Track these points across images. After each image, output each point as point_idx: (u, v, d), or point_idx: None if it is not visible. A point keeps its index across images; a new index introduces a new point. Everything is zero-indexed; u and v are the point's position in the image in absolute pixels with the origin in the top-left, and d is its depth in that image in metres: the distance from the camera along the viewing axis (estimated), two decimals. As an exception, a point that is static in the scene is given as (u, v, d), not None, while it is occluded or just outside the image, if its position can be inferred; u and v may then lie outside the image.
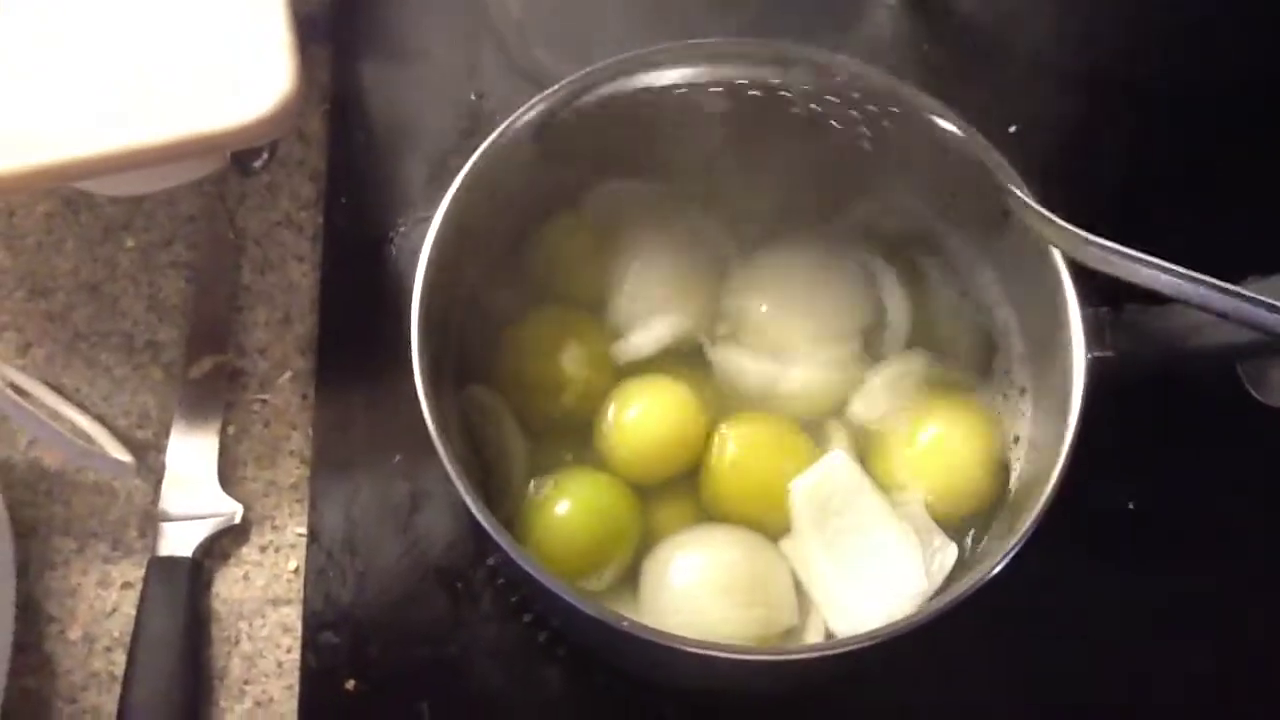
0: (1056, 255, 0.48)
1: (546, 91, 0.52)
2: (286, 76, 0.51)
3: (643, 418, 0.52)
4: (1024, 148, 0.62)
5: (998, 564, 0.44)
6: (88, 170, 0.51)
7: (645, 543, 0.51)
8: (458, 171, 0.50)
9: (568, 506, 0.50)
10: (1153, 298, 0.49)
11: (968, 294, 0.55)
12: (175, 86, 0.52)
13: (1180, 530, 0.57)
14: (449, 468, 0.45)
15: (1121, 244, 0.46)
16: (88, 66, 0.53)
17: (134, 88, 0.52)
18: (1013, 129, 0.65)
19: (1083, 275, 0.48)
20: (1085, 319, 0.47)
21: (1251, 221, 0.63)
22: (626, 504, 0.51)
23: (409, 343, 0.46)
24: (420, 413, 0.46)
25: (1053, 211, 0.48)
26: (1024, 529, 0.43)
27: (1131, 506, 0.58)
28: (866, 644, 0.43)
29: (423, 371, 0.46)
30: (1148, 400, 0.56)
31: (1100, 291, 0.48)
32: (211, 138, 0.50)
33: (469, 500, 0.44)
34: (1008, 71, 0.68)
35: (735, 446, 0.51)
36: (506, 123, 0.52)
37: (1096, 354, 0.47)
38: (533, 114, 0.51)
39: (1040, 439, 0.49)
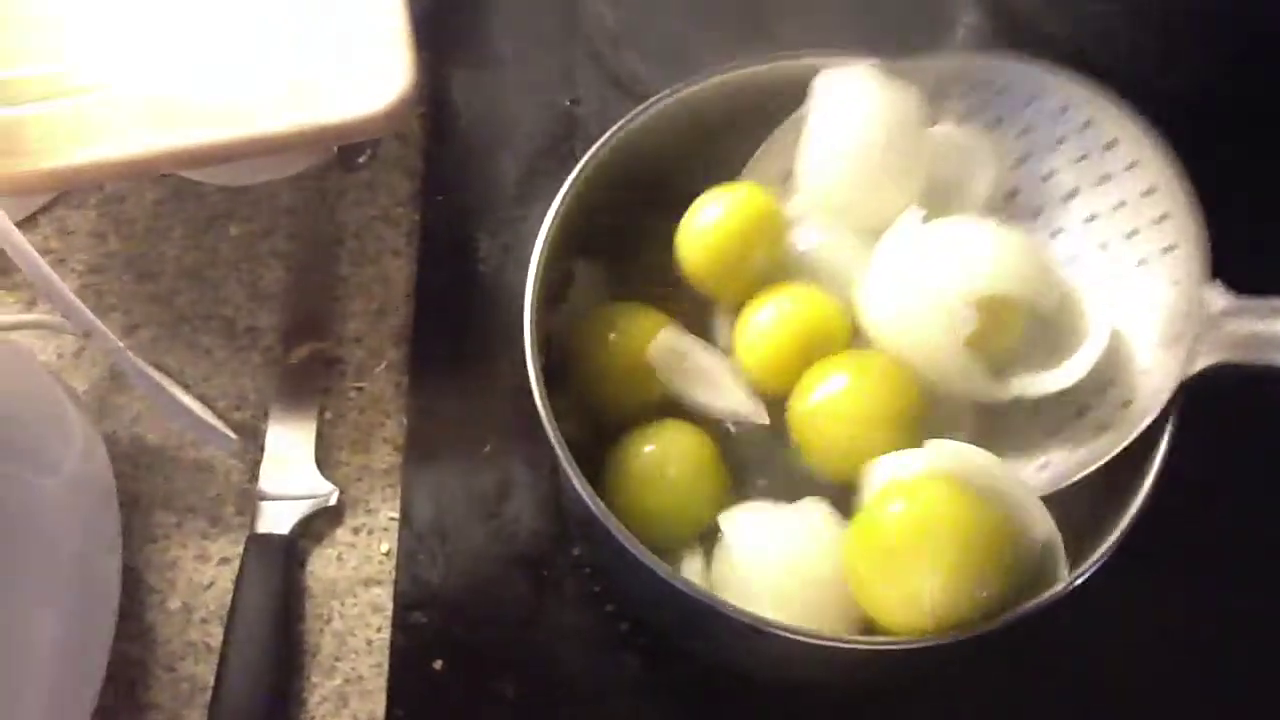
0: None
1: (651, 103, 0.55)
2: (405, 71, 0.53)
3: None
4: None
5: (1087, 570, 0.44)
6: (209, 158, 0.54)
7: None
8: (551, 173, 0.52)
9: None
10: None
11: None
12: (296, 78, 0.54)
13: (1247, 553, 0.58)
14: (550, 432, 0.47)
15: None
16: (214, 58, 0.56)
17: (257, 79, 0.54)
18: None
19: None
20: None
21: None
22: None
23: (522, 325, 0.48)
24: (516, 403, 0.49)
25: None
26: (1118, 531, 0.44)
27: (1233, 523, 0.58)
28: (958, 638, 0.44)
29: (533, 348, 0.48)
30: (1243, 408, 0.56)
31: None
32: (330, 129, 0.52)
33: (568, 468, 0.46)
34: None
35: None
36: (632, 114, 0.54)
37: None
38: (646, 116, 0.54)
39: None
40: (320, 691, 0.56)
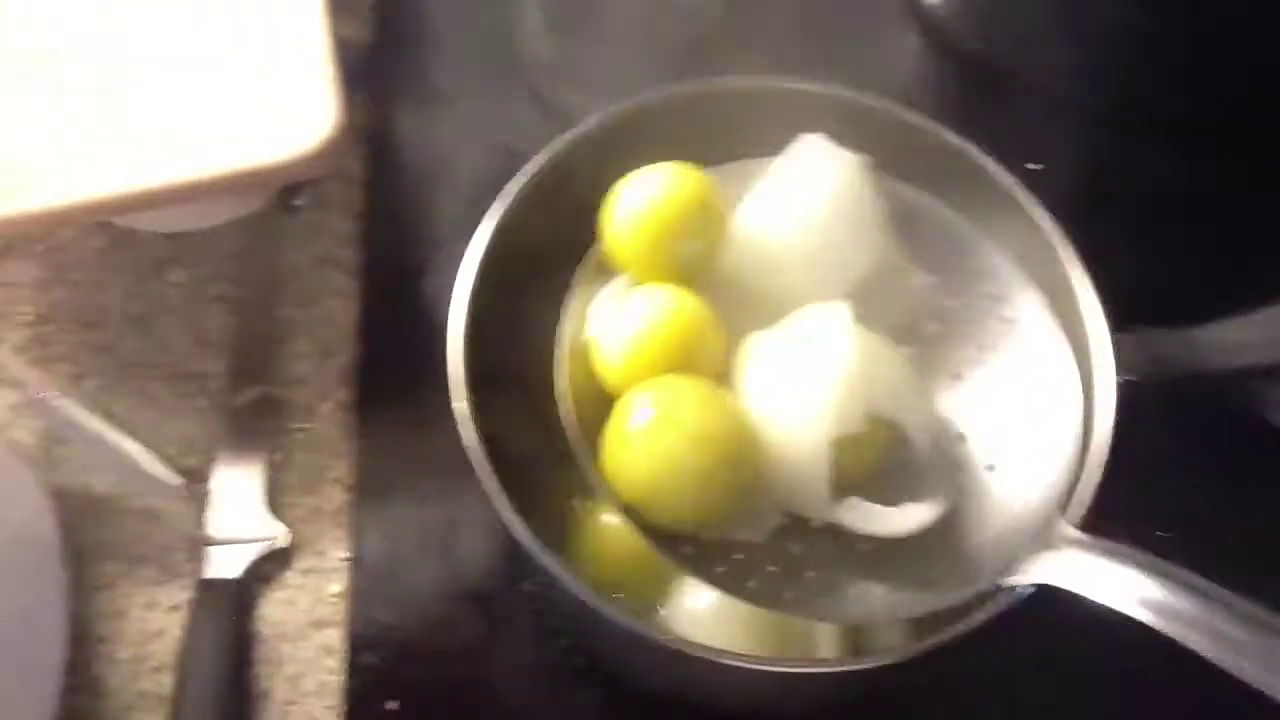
0: (1080, 279, 0.49)
1: (579, 127, 0.55)
2: (330, 113, 0.54)
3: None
4: (1044, 185, 0.65)
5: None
6: (135, 205, 0.54)
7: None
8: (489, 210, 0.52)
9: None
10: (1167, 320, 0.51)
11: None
12: (221, 123, 0.54)
13: (1212, 556, 0.58)
14: (487, 485, 0.46)
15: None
16: (137, 105, 0.56)
17: (180, 125, 0.54)
18: (1032, 166, 0.67)
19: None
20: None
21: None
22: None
23: (446, 364, 0.48)
24: (459, 439, 0.48)
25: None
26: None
27: (1160, 533, 0.59)
28: (912, 655, 0.44)
29: (464, 388, 0.48)
30: (1175, 422, 0.57)
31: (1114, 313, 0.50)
32: (257, 173, 0.53)
33: (506, 516, 0.46)
34: (1029, 109, 0.70)
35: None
36: (545, 156, 0.54)
37: (1126, 378, 0.48)
38: (564, 147, 0.54)
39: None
40: (274, 736, 0.55)
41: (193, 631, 0.56)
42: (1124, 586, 0.39)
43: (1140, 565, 0.39)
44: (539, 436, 0.52)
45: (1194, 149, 0.68)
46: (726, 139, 0.54)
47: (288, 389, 0.63)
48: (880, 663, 0.44)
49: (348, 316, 0.65)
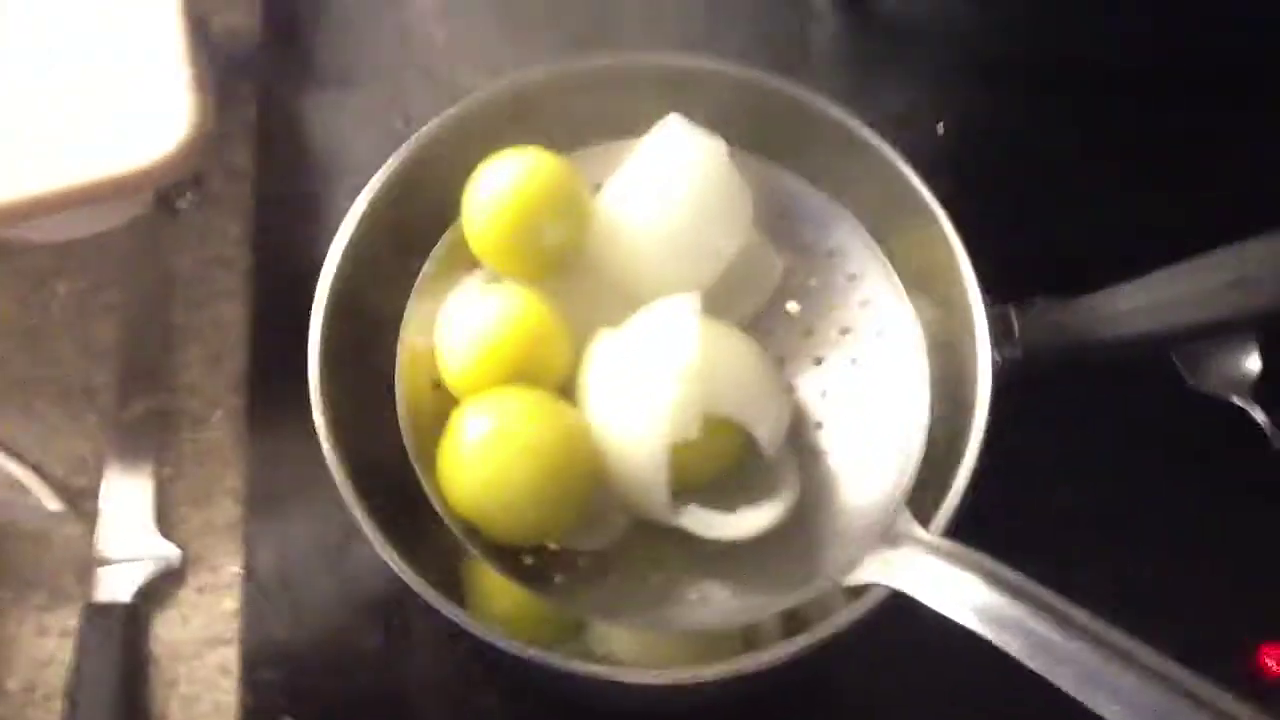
0: (959, 251, 0.47)
1: (455, 107, 0.52)
2: (188, 114, 0.51)
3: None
4: (950, 146, 0.63)
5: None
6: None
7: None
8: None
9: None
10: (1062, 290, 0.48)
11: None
12: (76, 132, 0.52)
13: (1119, 521, 0.57)
14: (348, 501, 0.45)
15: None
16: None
17: (34, 136, 0.52)
18: (940, 127, 0.65)
19: (986, 267, 0.47)
20: (991, 316, 0.46)
21: (1188, 204, 0.62)
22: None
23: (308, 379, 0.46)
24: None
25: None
26: (934, 531, 0.42)
27: (1064, 505, 0.57)
28: (786, 657, 0.42)
29: (328, 427, 0.47)
30: (1075, 394, 0.55)
31: (1002, 286, 0.47)
32: (116, 180, 0.51)
33: (378, 545, 0.44)
34: (934, 69, 0.67)
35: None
36: (414, 142, 0.52)
37: (1006, 353, 0.46)
38: (439, 127, 0.51)
39: (950, 441, 0.47)
40: (170, 760, 0.54)
41: (83, 657, 0.54)
42: (952, 590, 0.38)
43: (972, 568, 0.38)
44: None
45: (1098, 110, 0.65)
46: (603, 119, 0.52)
47: (178, 398, 0.61)
48: (753, 667, 0.42)
49: (238, 320, 0.63)
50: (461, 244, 0.49)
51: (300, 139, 0.68)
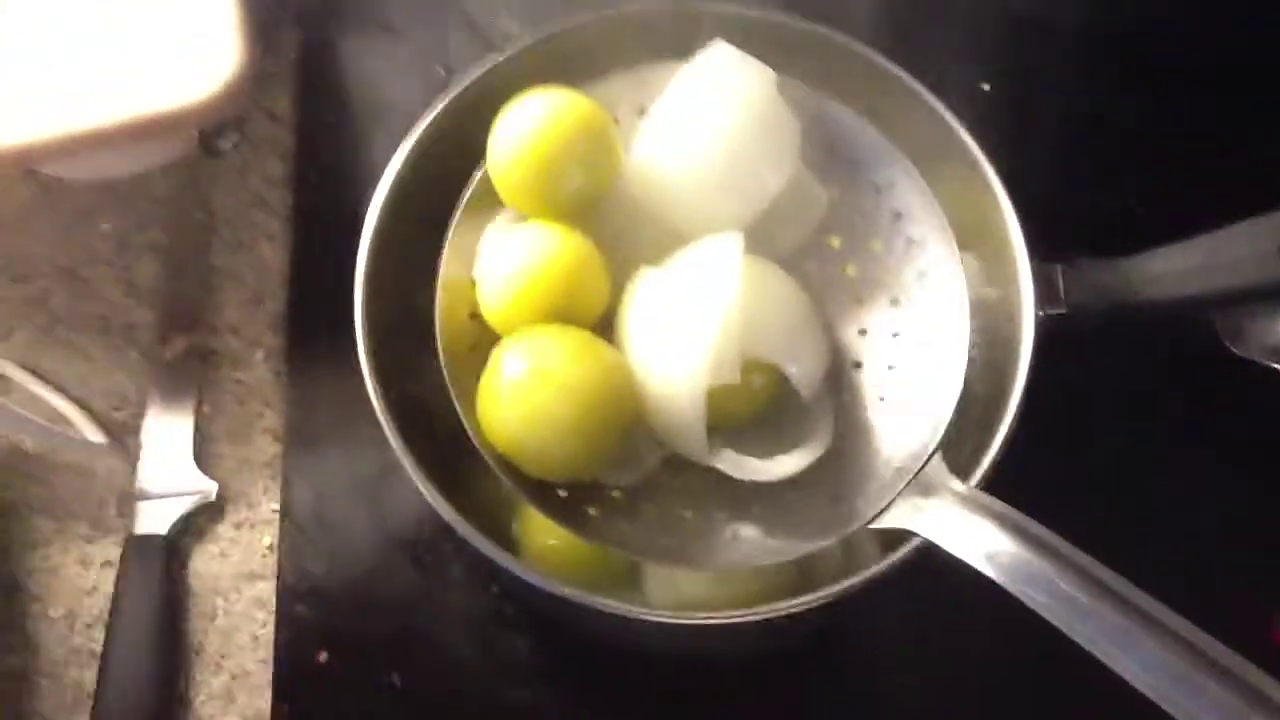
0: (1007, 208, 0.47)
1: (499, 55, 0.52)
2: (234, 56, 0.52)
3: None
4: (995, 104, 0.62)
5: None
6: (40, 155, 0.52)
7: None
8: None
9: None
10: (1108, 250, 0.48)
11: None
12: (121, 69, 0.52)
13: (1154, 484, 0.57)
14: (398, 448, 0.45)
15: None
16: (31, 50, 0.54)
17: (83, 73, 0.52)
18: (986, 86, 0.64)
19: (1032, 226, 0.47)
20: (1037, 274, 0.46)
21: (1236, 168, 0.61)
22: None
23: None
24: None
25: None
26: (972, 485, 0.43)
27: (1098, 463, 0.57)
28: (823, 600, 0.43)
29: (370, 359, 0.47)
30: (1119, 353, 0.55)
31: (1048, 244, 0.47)
32: (163, 118, 0.51)
33: (417, 479, 0.45)
34: (978, 27, 0.66)
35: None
36: (460, 86, 0.52)
37: (1049, 310, 0.46)
38: (482, 78, 0.51)
39: (993, 393, 0.47)
40: (206, 689, 0.55)
41: (124, 588, 0.55)
42: (977, 540, 0.38)
43: (999, 520, 0.38)
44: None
45: (1147, 74, 0.64)
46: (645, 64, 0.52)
47: (217, 338, 0.62)
48: (789, 609, 0.42)
49: (279, 261, 0.63)
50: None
51: (342, 84, 0.68)
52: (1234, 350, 0.56)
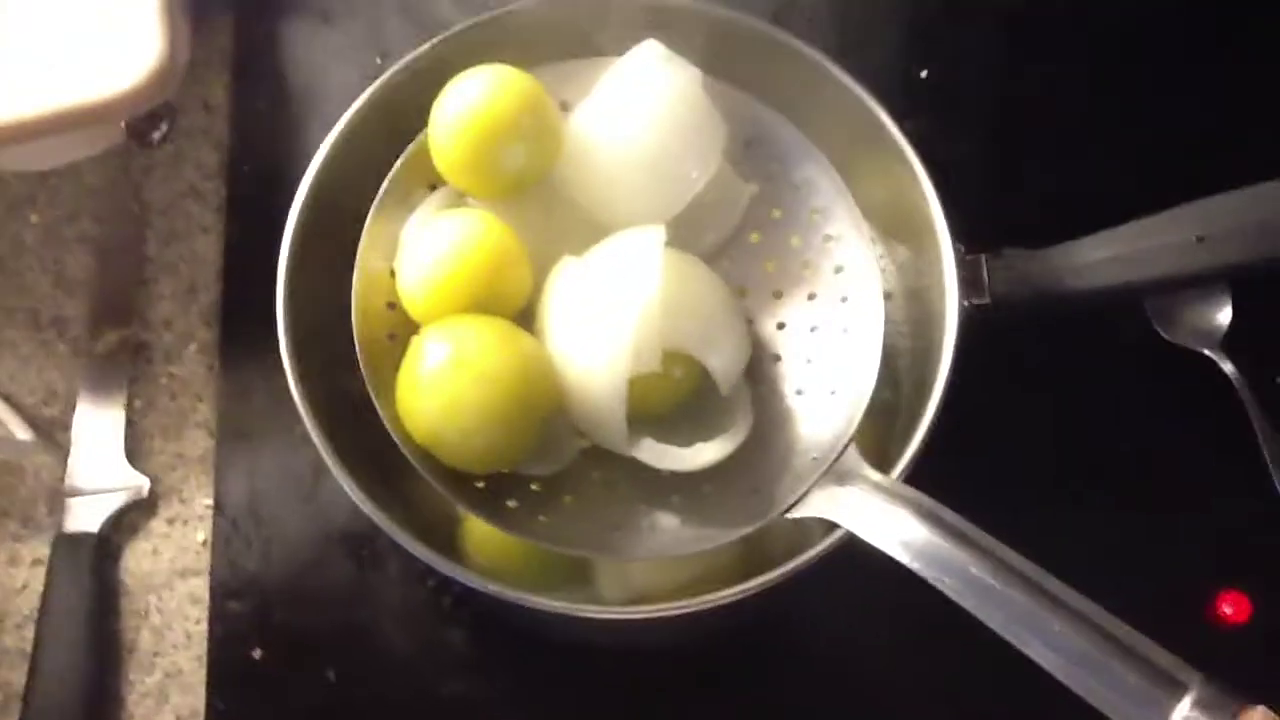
0: (931, 198, 0.47)
1: (434, 39, 0.51)
2: (158, 44, 0.51)
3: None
4: (930, 92, 0.62)
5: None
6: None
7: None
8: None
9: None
10: (1032, 240, 0.48)
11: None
12: (42, 59, 0.51)
13: (1089, 470, 0.57)
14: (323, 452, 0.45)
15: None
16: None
17: (2, 62, 0.51)
18: (924, 74, 0.64)
19: (958, 216, 0.47)
20: (961, 264, 0.46)
21: (1158, 157, 0.62)
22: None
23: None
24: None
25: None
26: (896, 475, 0.43)
27: (1028, 452, 0.57)
28: (746, 593, 0.43)
29: (293, 353, 0.47)
30: (1046, 342, 0.55)
31: (975, 234, 0.47)
32: (79, 111, 0.50)
33: (344, 482, 0.44)
34: (916, 14, 0.66)
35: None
36: (389, 73, 0.51)
37: (974, 301, 0.46)
38: (412, 64, 0.51)
39: (920, 385, 0.47)
40: (139, 688, 0.55)
41: (54, 586, 0.55)
42: (891, 527, 0.39)
43: (912, 507, 0.39)
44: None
45: (1075, 61, 0.64)
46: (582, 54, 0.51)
47: (150, 331, 0.61)
48: (715, 602, 0.42)
49: (213, 254, 0.62)
50: (419, 164, 0.48)
51: (276, 73, 0.67)
52: (1165, 336, 0.57)
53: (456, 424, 0.42)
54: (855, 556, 0.42)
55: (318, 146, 0.64)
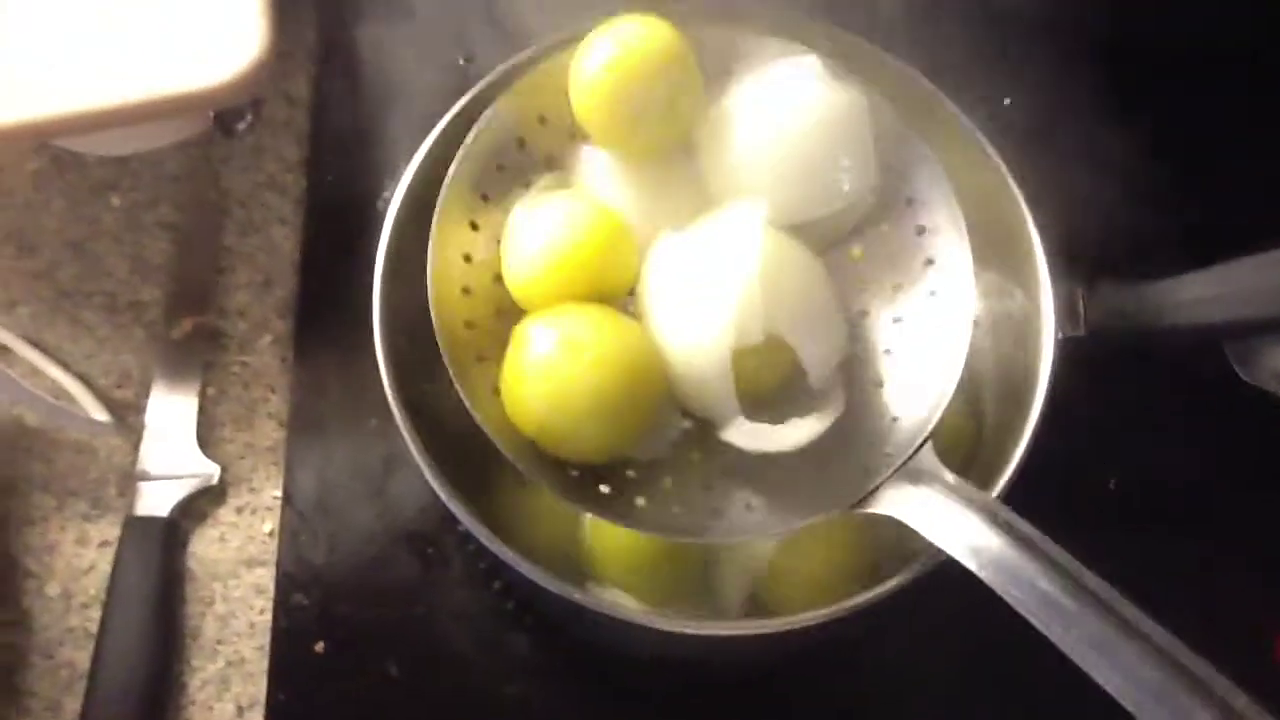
0: (1031, 226, 0.46)
1: (529, 50, 0.51)
2: (257, 40, 0.51)
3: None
4: (1018, 122, 0.62)
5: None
6: (52, 130, 0.51)
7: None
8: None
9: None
10: (1128, 274, 0.48)
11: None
12: (145, 47, 0.51)
13: (1163, 508, 0.57)
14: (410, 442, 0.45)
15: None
16: (58, 24, 0.53)
17: (103, 48, 0.51)
18: (1007, 101, 0.64)
19: (1054, 246, 0.47)
20: (1059, 296, 0.46)
21: (1256, 197, 0.61)
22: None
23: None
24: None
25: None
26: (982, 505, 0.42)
27: (1113, 485, 0.57)
28: (830, 618, 0.43)
29: (385, 350, 0.46)
30: (1132, 377, 0.55)
31: (1074, 265, 0.47)
32: (178, 99, 0.50)
33: (429, 475, 0.44)
34: (1003, 43, 0.66)
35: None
36: (485, 81, 0.51)
37: (1069, 333, 0.46)
38: (511, 71, 0.51)
39: (1006, 414, 0.47)
40: (201, 675, 0.55)
41: (121, 568, 0.55)
42: (961, 531, 0.37)
43: (986, 514, 0.37)
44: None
45: (1170, 96, 0.64)
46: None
47: (225, 320, 0.61)
48: (789, 625, 0.42)
49: (290, 246, 0.63)
50: (492, 143, 0.47)
51: (359, 68, 0.67)
52: (1243, 376, 0.56)
53: (568, 411, 0.41)
54: (935, 590, 0.42)
55: (398, 143, 0.65)
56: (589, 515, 0.48)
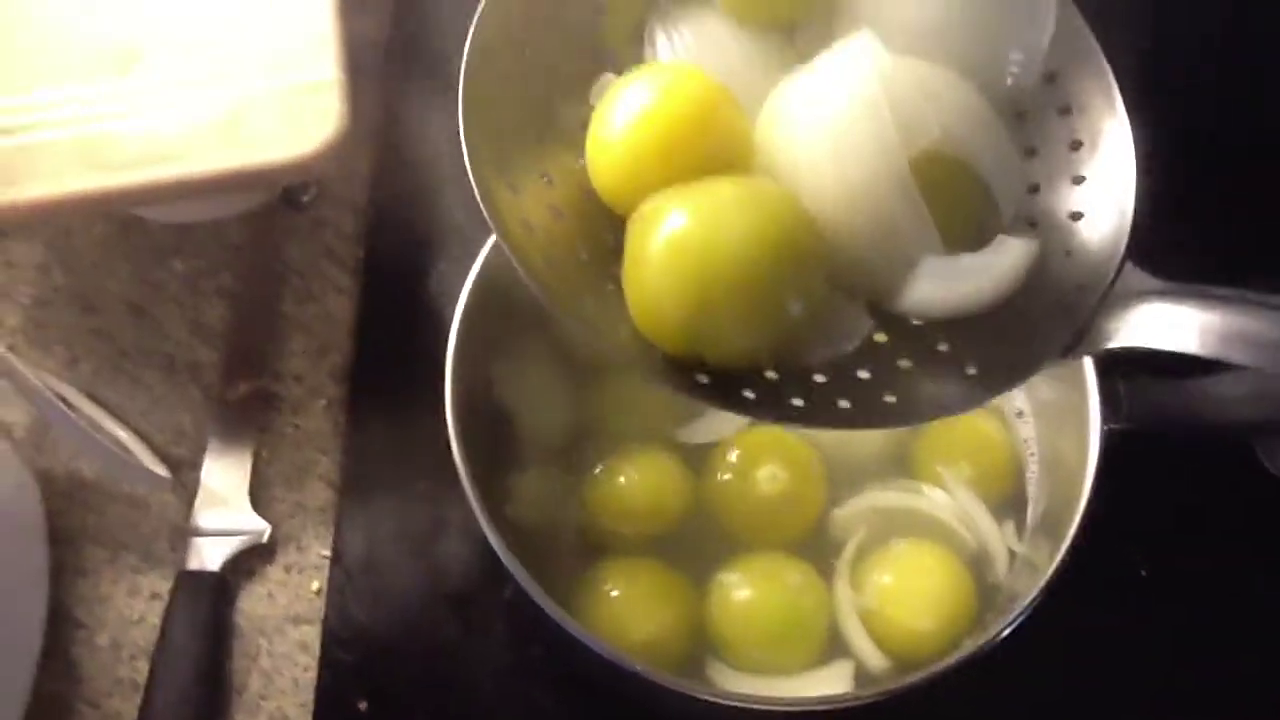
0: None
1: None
2: (335, 117, 0.54)
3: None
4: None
5: (1007, 625, 0.45)
6: (140, 198, 0.54)
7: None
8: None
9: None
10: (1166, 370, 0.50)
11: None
12: (230, 121, 0.54)
13: (1193, 599, 0.58)
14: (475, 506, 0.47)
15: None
16: (149, 97, 0.56)
17: (191, 121, 0.54)
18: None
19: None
20: (1102, 390, 0.48)
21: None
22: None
23: (443, 379, 0.48)
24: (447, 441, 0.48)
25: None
26: (1031, 595, 0.44)
27: (1144, 573, 0.59)
28: (883, 693, 0.44)
29: (456, 418, 0.48)
30: (1165, 469, 0.57)
31: (1114, 361, 0.49)
32: (262, 172, 0.53)
33: (490, 535, 0.46)
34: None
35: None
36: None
37: (1112, 426, 0.48)
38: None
39: (1051, 505, 0.49)
40: (245, 730, 0.56)
41: (171, 621, 0.56)
42: (1226, 327, 0.33)
43: (1239, 301, 0.33)
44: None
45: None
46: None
47: (280, 384, 0.63)
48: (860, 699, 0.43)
49: (346, 314, 0.65)
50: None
51: (418, 145, 0.70)
52: (1271, 470, 0.58)
53: (723, 300, 0.34)
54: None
55: (453, 221, 0.67)
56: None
